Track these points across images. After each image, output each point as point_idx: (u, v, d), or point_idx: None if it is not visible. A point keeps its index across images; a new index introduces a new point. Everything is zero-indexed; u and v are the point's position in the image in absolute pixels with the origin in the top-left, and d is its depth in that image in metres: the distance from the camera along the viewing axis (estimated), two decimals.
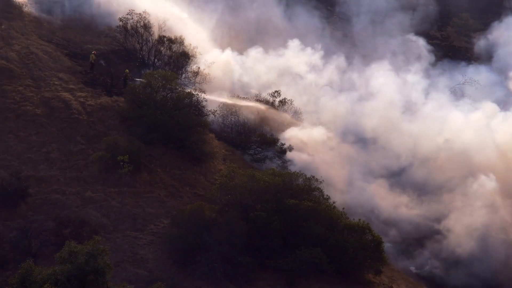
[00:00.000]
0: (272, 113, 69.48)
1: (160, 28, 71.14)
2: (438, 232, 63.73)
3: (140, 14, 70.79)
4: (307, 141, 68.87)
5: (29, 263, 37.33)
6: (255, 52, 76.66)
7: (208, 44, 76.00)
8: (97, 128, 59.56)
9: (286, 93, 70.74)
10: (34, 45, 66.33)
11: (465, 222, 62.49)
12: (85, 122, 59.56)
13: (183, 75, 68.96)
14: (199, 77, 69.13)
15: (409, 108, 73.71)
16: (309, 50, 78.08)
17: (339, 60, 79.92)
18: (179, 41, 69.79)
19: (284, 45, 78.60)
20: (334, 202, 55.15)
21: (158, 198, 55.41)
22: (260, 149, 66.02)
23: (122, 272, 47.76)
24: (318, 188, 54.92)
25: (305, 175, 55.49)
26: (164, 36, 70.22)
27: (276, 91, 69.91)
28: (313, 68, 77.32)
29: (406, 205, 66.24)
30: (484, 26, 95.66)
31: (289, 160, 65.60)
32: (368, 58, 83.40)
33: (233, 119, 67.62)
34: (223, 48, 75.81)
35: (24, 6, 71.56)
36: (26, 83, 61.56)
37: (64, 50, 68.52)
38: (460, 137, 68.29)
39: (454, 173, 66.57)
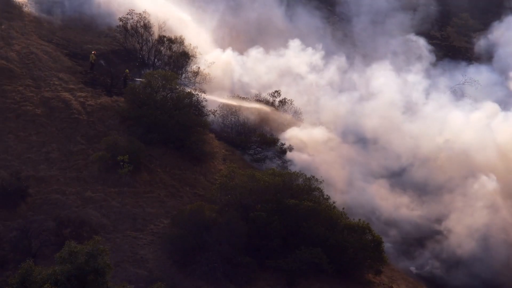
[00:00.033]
0: (272, 113, 69.43)
1: (160, 28, 71.13)
2: (438, 232, 63.69)
3: (140, 14, 70.80)
4: (308, 141, 68.85)
5: (29, 263, 37.33)
6: (255, 52, 76.64)
7: (209, 44, 76.00)
8: (97, 128, 59.55)
9: (286, 93, 70.74)
10: (34, 45, 66.33)
11: (466, 223, 62.45)
12: (85, 122, 59.55)
13: (183, 75, 68.93)
14: (199, 77, 69.11)
15: (409, 108, 73.67)
16: (310, 50, 78.05)
17: (340, 60, 79.88)
18: (179, 41, 69.80)
19: (285, 45, 78.55)
20: (334, 202, 55.14)
21: (158, 198, 55.40)
22: (260, 149, 66.02)
23: (122, 272, 47.75)
24: (318, 188, 54.91)
25: (305, 175, 55.48)
26: (164, 36, 70.24)
27: (276, 91, 69.91)
28: (313, 68, 77.27)
29: (406, 205, 66.20)
30: (484, 26, 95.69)
31: (289, 160, 65.60)
32: (368, 58, 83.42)
33: (233, 119, 67.62)
34: (224, 48, 75.78)
35: (24, 6, 71.58)
36: (26, 83, 61.56)
37: (64, 50, 68.53)
38: (460, 137, 68.22)
39: (454, 173, 66.55)
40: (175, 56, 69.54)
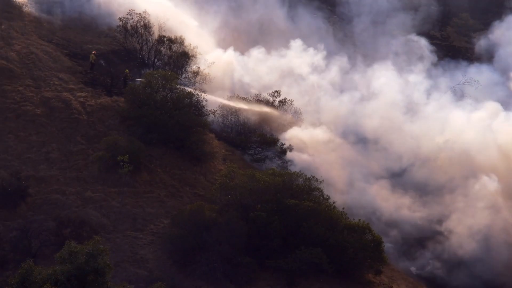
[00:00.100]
0: (273, 114, 69.40)
1: (160, 28, 71.12)
2: (439, 233, 63.63)
3: (140, 14, 70.78)
4: (308, 142, 68.81)
5: (29, 263, 37.32)
6: (257, 52, 76.62)
7: (210, 44, 75.96)
8: (97, 128, 59.54)
9: (287, 93, 70.68)
10: (34, 45, 66.32)
11: (467, 223, 62.40)
12: (85, 122, 59.55)
13: (183, 75, 68.91)
14: (199, 77, 69.10)
15: (410, 109, 73.59)
16: (311, 50, 78.00)
17: (341, 60, 79.83)
18: (179, 41, 69.78)
19: (286, 45, 78.52)
20: (334, 202, 55.12)
21: (158, 198, 55.40)
22: (260, 149, 66.00)
23: (122, 272, 47.75)
24: (318, 188, 54.90)
25: (305, 175, 55.48)
26: (164, 36, 70.22)
27: (276, 91, 69.87)
28: (314, 68, 77.22)
29: (407, 206, 66.13)
30: (484, 26, 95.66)
31: (290, 161, 65.57)
32: (369, 58, 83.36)
33: (233, 119, 67.60)
34: (226, 48, 75.75)
35: (24, 6, 71.56)
36: (26, 83, 61.55)
37: (64, 50, 68.52)
38: (461, 137, 68.13)
39: (455, 173, 66.49)
40: (175, 56, 69.52)
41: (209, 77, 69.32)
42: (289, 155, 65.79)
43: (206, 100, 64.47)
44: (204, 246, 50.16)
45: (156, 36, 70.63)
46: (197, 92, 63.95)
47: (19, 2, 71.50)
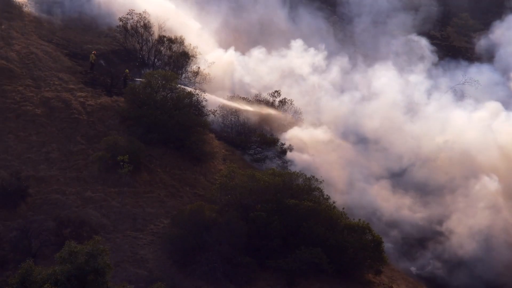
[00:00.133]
0: (273, 114, 69.38)
1: (160, 28, 71.11)
2: (440, 233, 63.59)
3: (140, 14, 70.77)
4: (308, 142, 68.78)
5: (29, 263, 37.35)
6: (257, 52, 76.61)
7: (210, 45, 75.93)
8: (97, 128, 59.54)
9: (288, 94, 70.64)
10: (34, 45, 66.31)
11: (468, 223, 62.35)
12: (85, 122, 59.55)
13: (183, 75, 68.91)
14: (199, 77, 69.10)
15: (411, 109, 73.52)
16: (312, 50, 77.97)
17: (341, 60, 79.77)
18: (179, 41, 69.77)
19: (287, 45, 78.49)
20: (334, 202, 55.11)
21: (158, 198, 55.40)
22: (260, 149, 65.99)
23: (122, 272, 47.76)
24: (318, 188, 54.89)
25: (305, 175, 55.47)
26: (164, 36, 70.21)
27: (276, 91, 69.84)
28: (315, 68, 77.18)
29: (408, 206, 66.07)
30: (484, 26, 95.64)
31: (290, 161, 65.55)
32: (370, 58, 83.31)
33: (233, 119, 67.58)
34: (226, 48, 75.74)
35: (24, 6, 71.54)
36: (26, 83, 61.55)
37: (64, 50, 68.51)
38: (462, 137, 68.05)
39: (456, 173, 66.43)
40: (175, 56, 69.52)
41: (209, 77, 69.31)
42: (289, 155, 65.78)
43: (206, 100, 64.44)
44: (204, 246, 50.16)
45: (156, 36, 70.61)
46: (197, 92, 63.89)
47: (19, 2, 71.48)
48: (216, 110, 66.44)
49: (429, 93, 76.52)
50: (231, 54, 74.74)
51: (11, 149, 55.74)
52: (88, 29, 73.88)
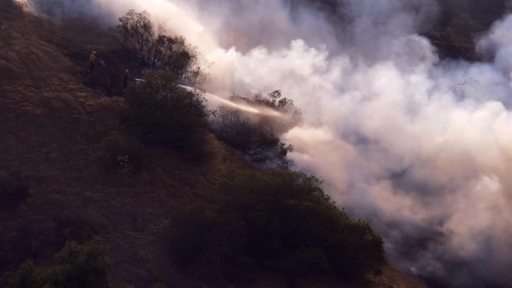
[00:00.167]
0: (273, 114, 69.38)
1: (160, 28, 71.11)
2: (441, 233, 63.56)
3: (140, 14, 70.78)
4: (309, 142, 68.74)
5: (29, 263, 37.35)
6: (258, 53, 76.59)
7: (211, 45, 75.93)
8: (97, 128, 59.54)
9: (288, 94, 70.61)
10: (34, 45, 66.32)
11: (468, 224, 62.31)
12: (85, 122, 59.55)
13: (183, 75, 68.91)
14: (199, 77, 69.11)
15: (411, 109, 73.44)
16: (312, 50, 77.94)
17: (342, 60, 79.72)
18: (179, 41, 69.78)
19: (287, 46, 78.47)
20: (334, 202, 55.11)
21: (158, 198, 55.40)
22: (260, 149, 65.99)
23: (122, 272, 47.76)
24: (318, 188, 54.89)
25: (305, 175, 55.47)
26: (164, 36, 70.22)
27: (276, 91, 69.83)
28: (316, 68, 77.14)
29: (408, 206, 66.01)
30: (484, 26, 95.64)
31: (290, 161, 65.54)
32: (370, 58, 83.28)
33: (233, 119, 67.58)
34: (227, 48, 75.73)
35: (24, 6, 71.55)
36: (26, 83, 61.55)
37: (64, 50, 68.51)
38: (462, 137, 67.97)
39: (456, 174, 66.36)
40: (175, 56, 69.52)
41: (209, 77, 69.31)
42: (289, 155, 65.78)
43: (206, 100, 64.44)
44: (204, 246, 50.16)
45: (156, 36, 70.61)
46: (197, 92, 63.87)
47: (19, 2, 71.49)
48: (216, 110, 66.43)
49: (429, 93, 76.44)
50: (232, 54, 74.73)
51: (11, 149, 55.75)
52: (88, 29, 73.90)
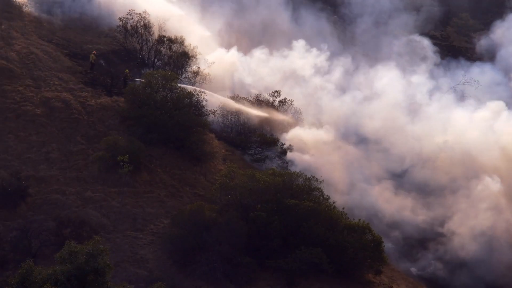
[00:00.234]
0: (273, 114, 69.38)
1: (160, 28, 71.12)
2: (441, 234, 63.51)
3: (140, 14, 70.79)
4: (309, 142, 68.71)
5: (29, 263, 37.33)
6: (259, 53, 76.58)
7: (212, 45, 75.91)
8: (97, 128, 59.55)
9: (289, 94, 70.59)
10: (34, 45, 66.32)
11: (469, 224, 62.25)
12: (85, 122, 59.56)
13: (183, 75, 68.92)
14: (199, 77, 69.12)
15: (413, 109, 73.35)
16: (314, 51, 77.90)
17: (343, 61, 79.68)
18: (179, 41, 69.78)
19: (288, 46, 78.44)
20: (334, 202, 55.11)
21: (158, 198, 55.40)
22: (260, 149, 65.99)
23: (122, 272, 47.76)
24: (318, 188, 54.88)
25: (305, 175, 55.46)
26: (164, 36, 70.22)
27: (276, 91, 69.81)
28: (317, 68, 77.10)
29: (409, 207, 65.95)
30: (484, 26, 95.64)
31: (290, 161, 65.52)
32: (371, 59, 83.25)
33: (233, 119, 67.57)
34: (229, 49, 75.73)
35: (24, 6, 71.57)
36: (26, 83, 61.55)
37: (64, 50, 68.51)
38: (463, 137, 67.88)
39: (457, 174, 66.28)
40: (175, 56, 69.53)
41: (209, 77, 69.31)
42: (290, 155, 65.77)
43: (206, 100, 64.45)
44: (204, 246, 50.17)
45: (156, 36, 70.62)
46: (197, 91, 63.86)
47: (19, 2, 71.50)
48: (216, 110, 66.42)
49: (430, 93, 76.36)
50: (233, 54, 74.74)
51: (11, 149, 55.75)
52: (88, 29, 73.91)
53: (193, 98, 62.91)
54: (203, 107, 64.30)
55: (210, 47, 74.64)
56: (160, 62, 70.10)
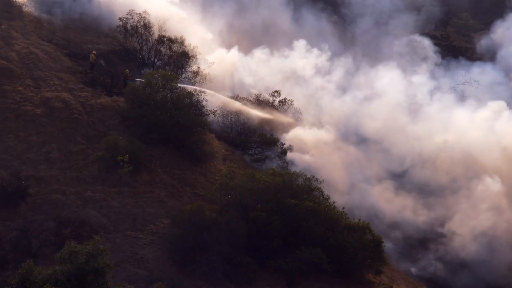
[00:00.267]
0: (274, 114, 69.36)
1: (160, 28, 71.11)
2: (442, 234, 63.46)
3: (140, 14, 70.78)
4: (309, 142, 68.67)
5: (29, 263, 37.34)
6: (260, 53, 76.55)
7: (213, 45, 75.90)
8: (97, 128, 59.54)
9: (290, 94, 70.54)
10: (34, 45, 66.31)
11: (470, 225, 62.20)
12: (85, 122, 59.55)
13: (183, 75, 68.91)
14: (199, 77, 69.11)
15: (413, 109, 73.27)
16: (315, 51, 77.86)
17: (344, 61, 79.64)
18: (179, 41, 69.77)
19: (289, 46, 78.41)
20: (334, 202, 55.09)
21: (158, 198, 55.39)
22: (260, 149, 65.97)
23: (122, 272, 47.75)
24: (318, 188, 54.87)
25: (305, 175, 55.44)
26: (164, 36, 70.23)
27: (276, 91, 69.79)
28: (317, 68, 77.05)
29: (409, 207, 65.89)
30: (484, 26, 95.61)
31: (290, 161, 65.48)
32: (372, 59, 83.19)
33: (233, 119, 67.56)
34: (230, 49, 75.73)
35: (24, 6, 71.56)
36: (26, 83, 61.55)
37: (64, 50, 68.51)
38: (464, 137, 67.81)
39: (458, 174, 66.22)
40: (175, 56, 69.53)
41: (209, 77, 69.31)
42: (290, 155, 65.75)
43: (206, 100, 64.43)
44: (204, 246, 50.16)
45: (156, 36, 70.61)
46: (198, 91, 63.83)
47: (19, 2, 71.50)
48: (216, 110, 66.41)
49: (431, 93, 76.30)
50: (234, 54, 74.72)
51: (11, 149, 55.75)
52: (88, 29, 73.91)
53: (193, 98, 62.86)
54: (203, 107, 64.27)
55: (211, 48, 74.62)
56: (160, 62, 70.11)
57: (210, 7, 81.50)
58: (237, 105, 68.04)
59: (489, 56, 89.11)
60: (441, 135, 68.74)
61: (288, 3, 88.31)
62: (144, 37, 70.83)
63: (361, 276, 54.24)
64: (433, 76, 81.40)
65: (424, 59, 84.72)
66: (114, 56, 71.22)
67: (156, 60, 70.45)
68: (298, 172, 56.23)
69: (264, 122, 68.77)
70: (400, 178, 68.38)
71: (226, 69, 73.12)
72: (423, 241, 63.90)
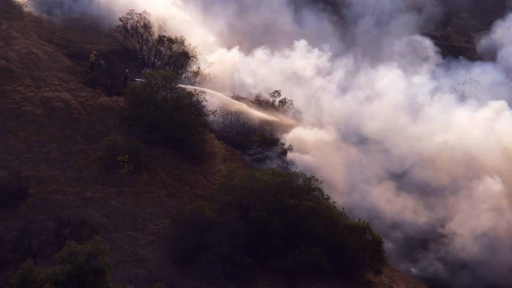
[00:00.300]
0: (274, 114, 69.34)
1: (160, 28, 71.10)
2: (443, 235, 63.42)
3: (140, 14, 70.78)
4: (309, 142, 68.64)
5: (29, 263, 37.34)
6: (261, 53, 76.54)
7: (213, 45, 75.87)
8: (97, 128, 59.53)
9: (290, 94, 70.50)
10: (34, 45, 66.31)
11: (470, 225, 62.16)
12: (85, 122, 59.54)
13: (183, 75, 68.90)
14: (199, 77, 69.10)
15: (414, 109, 73.23)
16: (316, 51, 77.83)
17: (345, 61, 79.60)
18: (179, 41, 69.76)
19: (290, 46, 78.39)
20: (334, 202, 55.06)
21: (158, 198, 55.38)
22: (260, 149, 65.96)
23: (122, 272, 47.74)
24: (318, 188, 54.85)
25: (305, 175, 55.43)
26: (164, 36, 70.23)
27: (276, 91, 69.78)
28: (319, 69, 77.02)
29: (410, 208, 65.86)
30: (484, 26, 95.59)
31: (290, 161, 65.46)
32: (373, 59, 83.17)
33: (233, 119, 67.54)
34: (230, 49, 75.71)
35: (24, 6, 71.59)
36: (26, 83, 61.54)
37: (64, 50, 68.51)
38: (465, 137, 67.75)
39: (459, 175, 66.16)
40: (175, 56, 69.52)
41: (209, 77, 69.31)
42: (290, 155, 65.73)
43: (206, 100, 64.42)
44: (204, 246, 50.14)
45: (156, 36, 70.60)
46: (198, 91, 63.81)
47: (19, 2, 71.52)
48: (216, 110, 66.38)
49: (432, 93, 76.26)
50: (235, 54, 74.71)
51: (11, 149, 55.75)
52: (88, 29, 73.92)
53: (193, 98, 62.85)
54: (203, 107, 64.26)
55: (211, 48, 74.58)
56: (160, 62, 70.10)
57: (211, 7, 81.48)
58: (237, 104, 68.00)
59: (490, 56, 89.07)
60: (442, 135, 68.68)
61: (289, 4, 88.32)
62: (144, 37, 70.83)
63: (361, 276, 54.22)
64: (433, 76, 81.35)
65: (425, 59, 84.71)
66: (114, 56, 71.22)
67: (156, 60, 70.45)
68: (298, 172, 56.21)
69: (264, 122, 68.75)
70: (401, 178, 68.34)
71: (227, 69, 73.11)
72: (423, 241, 63.86)
